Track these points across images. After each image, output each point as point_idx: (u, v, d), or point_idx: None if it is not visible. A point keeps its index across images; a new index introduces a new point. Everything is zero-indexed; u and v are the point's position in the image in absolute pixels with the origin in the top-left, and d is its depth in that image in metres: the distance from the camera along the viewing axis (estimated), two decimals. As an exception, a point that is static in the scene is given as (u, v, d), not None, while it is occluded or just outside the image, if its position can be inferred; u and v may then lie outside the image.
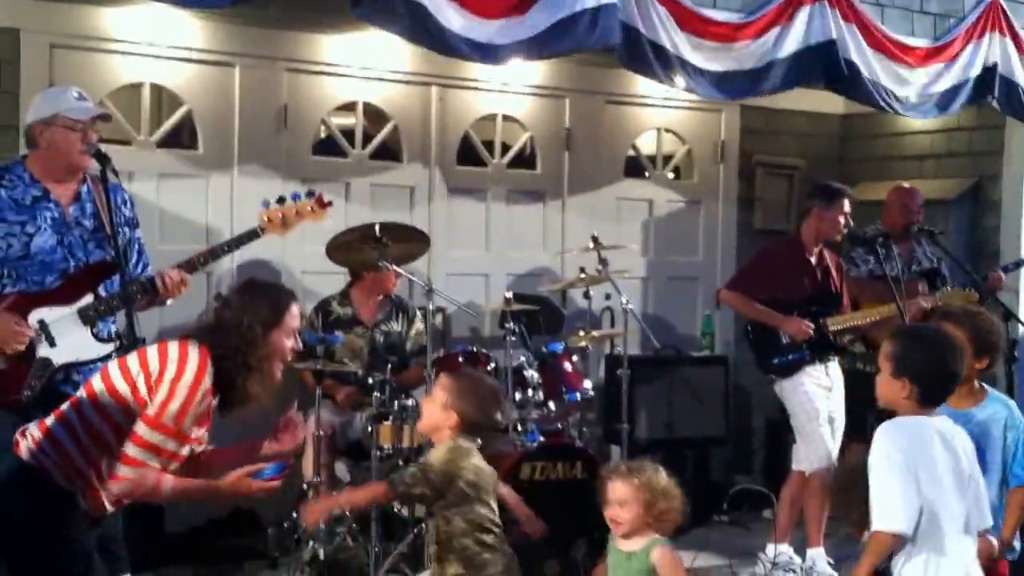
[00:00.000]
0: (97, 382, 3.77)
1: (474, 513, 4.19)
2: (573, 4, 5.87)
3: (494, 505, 4.32)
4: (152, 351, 3.75)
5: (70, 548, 3.70)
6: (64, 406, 3.82)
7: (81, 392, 3.82)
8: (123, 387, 3.71)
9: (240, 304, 3.87)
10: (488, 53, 5.80)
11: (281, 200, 5.05)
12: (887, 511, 3.50)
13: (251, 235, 5.01)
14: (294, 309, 3.95)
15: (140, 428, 3.65)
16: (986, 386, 4.43)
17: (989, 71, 7.47)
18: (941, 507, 3.53)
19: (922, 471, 3.51)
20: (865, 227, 7.25)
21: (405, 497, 4.60)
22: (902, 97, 7.15)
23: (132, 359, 3.77)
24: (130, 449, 3.64)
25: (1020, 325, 7.04)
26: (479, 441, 4.36)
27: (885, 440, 3.59)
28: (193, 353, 3.71)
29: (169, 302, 4.86)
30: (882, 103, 7.03)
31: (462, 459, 4.21)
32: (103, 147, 4.83)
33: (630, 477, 4.23)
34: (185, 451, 3.80)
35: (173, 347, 3.73)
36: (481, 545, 4.19)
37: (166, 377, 3.67)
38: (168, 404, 3.65)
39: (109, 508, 3.81)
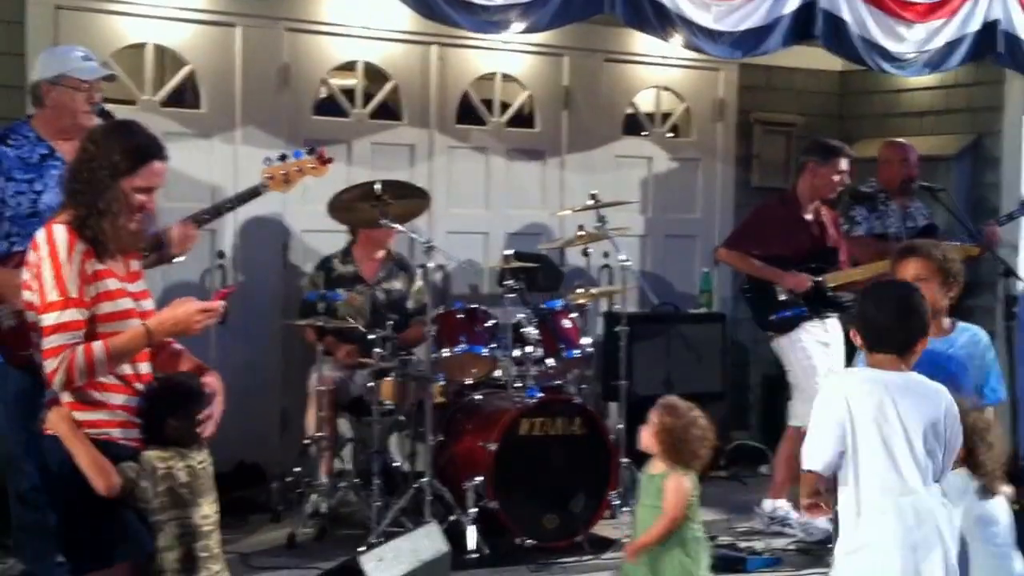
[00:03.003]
0: (30, 315, 3.67)
1: None
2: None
3: None
4: (29, 251, 3.63)
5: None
6: None
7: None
8: (30, 296, 3.61)
9: (101, 141, 3.67)
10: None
11: (283, 157, 5.12)
12: (808, 451, 3.79)
13: (254, 192, 5.07)
14: (155, 166, 3.68)
15: (42, 319, 3.52)
16: (955, 320, 4.62)
17: (990, 26, 7.44)
18: (869, 451, 3.73)
19: (849, 418, 3.73)
20: (863, 184, 7.31)
21: None
22: (897, 54, 7.14)
23: (24, 272, 3.65)
24: (44, 342, 3.51)
25: (1019, 281, 7.08)
26: None
27: (824, 388, 3.98)
28: (55, 228, 3.57)
29: (178, 260, 4.90)
30: (869, 61, 7.02)
31: None
32: (108, 106, 4.89)
33: (661, 414, 4.66)
34: (107, 308, 3.60)
35: (39, 234, 3.59)
36: None
37: (40, 259, 3.55)
38: (44, 282, 3.51)
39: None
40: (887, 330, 3.82)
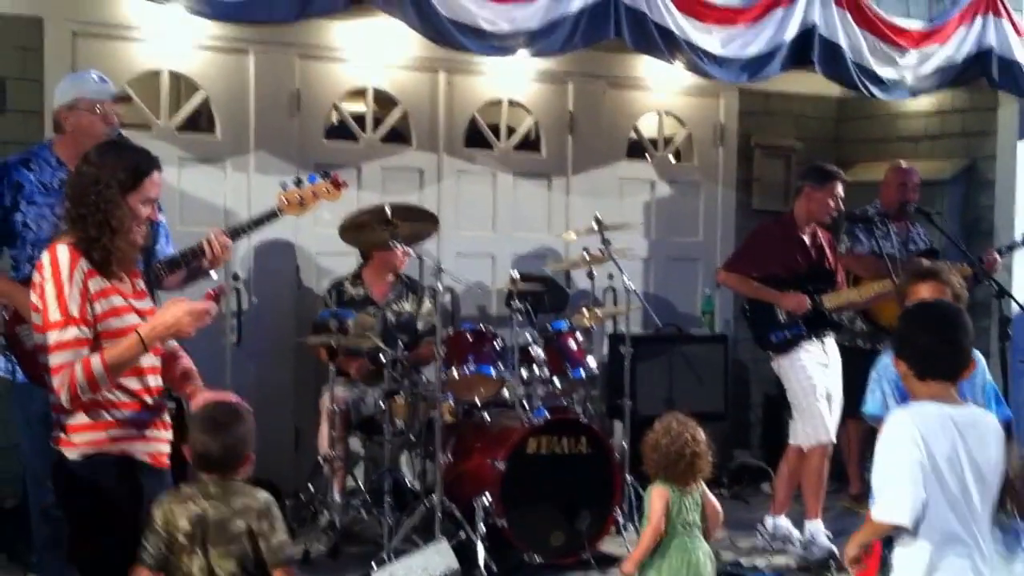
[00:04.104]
0: (38, 335, 3.76)
1: None
2: (568, 4, 6.11)
3: None
4: (34, 273, 3.70)
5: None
6: None
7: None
8: (37, 317, 3.69)
9: (100, 162, 3.73)
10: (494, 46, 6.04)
11: (298, 182, 5.17)
12: (888, 500, 3.41)
13: (270, 215, 5.13)
14: (155, 177, 3.80)
15: (47, 339, 3.59)
16: None
17: (984, 52, 7.58)
18: (946, 497, 3.40)
19: (930, 462, 3.38)
20: (864, 207, 7.41)
21: None
22: (887, 78, 7.27)
23: (31, 294, 3.72)
24: (49, 360, 3.58)
25: (1013, 303, 7.18)
26: None
27: (895, 426, 3.48)
28: (58, 248, 3.65)
29: (213, 275, 4.92)
30: (860, 85, 7.16)
31: None
32: (124, 132, 4.98)
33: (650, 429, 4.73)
34: (114, 324, 3.67)
35: (44, 256, 3.66)
36: None
37: (43, 279, 3.63)
38: (47, 301, 3.59)
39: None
40: (940, 355, 3.51)
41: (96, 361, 3.57)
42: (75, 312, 3.59)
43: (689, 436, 4.66)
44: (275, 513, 3.56)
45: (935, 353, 3.51)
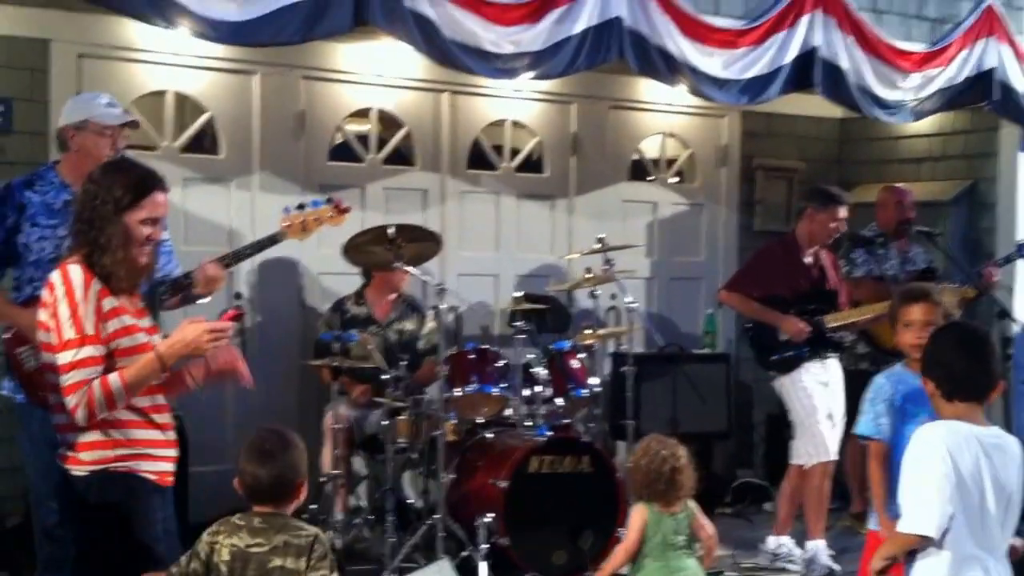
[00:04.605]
0: (43, 355, 3.78)
1: None
2: (572, 26, 6.14)
3: None
4: (44, 292, 3.70)
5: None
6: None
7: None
8: (45, 336, 3.69)
9: (101, 180, 3.74)
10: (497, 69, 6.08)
11: (301, 206, 5.19)
12: (916, 513, 3.43)
13: (272, 240, 5.14)
14: (158, 197, 3.77)
15: (59, 358, 3.59)
16: None
17: (985, 75, 7.63)
18: (968, 514, 3.43)
19: (956, 477, 3.40)
20: (862, 229, 7.44)
21: None
22: (890, 101, 7.30)
23: (39, 312, 3.72)
24: (62, 379, 3.58)
25: (1013, 323, 7.20)
26: None
27: (923, 441, 3.49)
28: (69, 267, 3.66)
29: (202, 301, 4.95)
30: (863, 107, 7.20)
31: None
32: (130, 152, 4.99)
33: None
34: (125, 343, 3.68)
35: (55, 275, 3.67)
36: None
37: (56, 299, 3.63)
38: (60, 320, 3.59)
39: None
40: (969, 376, 3.52)
41: (115, 379, 3.59)
42: (90, 330, 3.60)
43: (668, 454, 4.70)
44: (318, 551, 3.43)
45: (963, 375, 3.53)
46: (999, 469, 3.46)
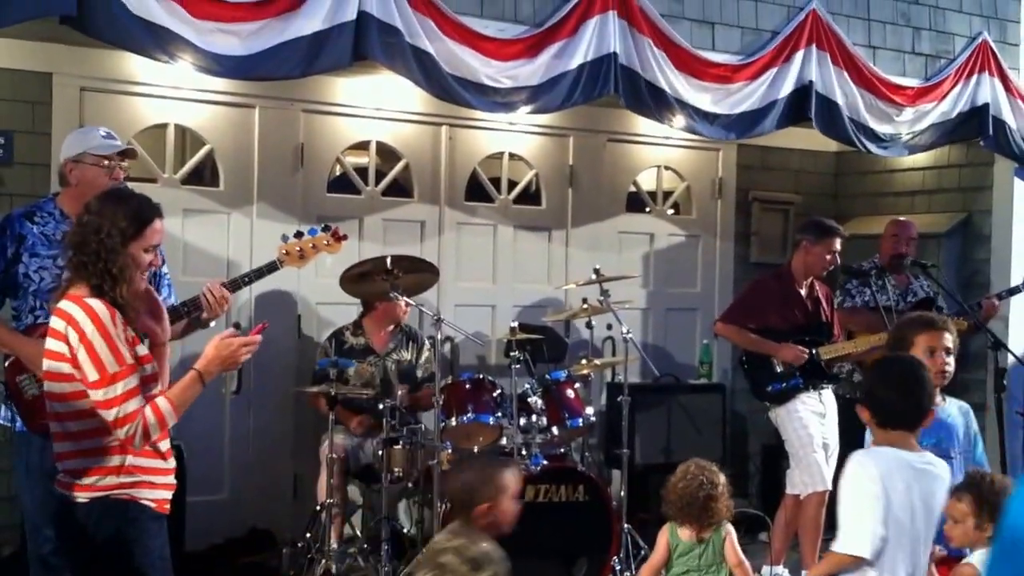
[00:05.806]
0: (47, 384, 3.81)
1: None
2: (569, 61, 6.19)
3: None
4: (57, 323, 3.72)
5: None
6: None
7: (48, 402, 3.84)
8: (57, 367, 3.72)
9: (101, 210, 3.78)
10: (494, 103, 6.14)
11: (299, 234, 5.23)
12: (850, 533, 3.61)
13: (271, 267, 5.16)
14: (157, 224, 3.86)
15: (98, 395, 3.63)
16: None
17: (979, 110, 7.68)
18: (898, 535, 3.60)
19: (887, 500, 3.59)
20: (862, 260, 7.47)
21: None
22: (884, 135, 7.36)
23: (49, 342, 3.74)
24: (113, 412, 3.63)
25: (1009, 354, 7.22)
26: None
27: (857, 467, 3.72)
28: (91, 303, 3.68)
29: (212, 325, 4.97)
30: (856, 141, 7.25)
31: None
32: (131, 184, 5.04)
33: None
34: (147, 369, 3.77)
35: (75, 311, 3.68)
36: None
37: (87, 335, 3.65)
38: (100, 356, 3.63)
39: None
40: (899, 408, 3.74)
41: (163, 403, 3.71)
42: (130, 360, 3.68)
43: (705, 479, 4.80)
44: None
45: (896, 406, 3.75)
46: (927, 494, 3.65)
